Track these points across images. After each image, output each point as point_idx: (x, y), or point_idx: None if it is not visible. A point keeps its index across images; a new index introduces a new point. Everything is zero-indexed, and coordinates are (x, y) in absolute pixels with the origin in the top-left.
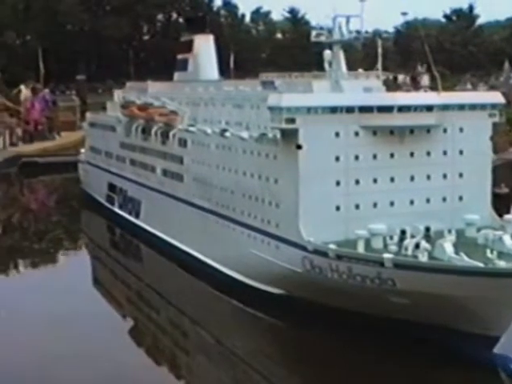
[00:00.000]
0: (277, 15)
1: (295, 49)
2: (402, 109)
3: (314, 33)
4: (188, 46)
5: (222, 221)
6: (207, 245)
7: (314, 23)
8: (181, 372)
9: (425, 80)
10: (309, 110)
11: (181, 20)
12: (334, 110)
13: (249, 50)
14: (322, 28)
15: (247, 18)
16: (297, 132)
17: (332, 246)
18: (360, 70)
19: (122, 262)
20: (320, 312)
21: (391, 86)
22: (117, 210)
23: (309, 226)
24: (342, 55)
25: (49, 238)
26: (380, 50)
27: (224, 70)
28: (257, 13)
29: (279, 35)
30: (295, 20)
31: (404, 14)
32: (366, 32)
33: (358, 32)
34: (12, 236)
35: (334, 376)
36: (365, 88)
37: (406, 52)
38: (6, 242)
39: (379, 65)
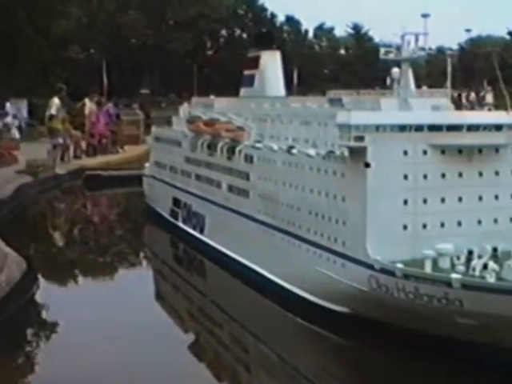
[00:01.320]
0: (340, 31)
1: (358, 65)
2: (471, 128)
3: (382, 50)
4: (254, 62)
5: (288, 237)
6: (272, 261)
7: (377, 39)
8: None
9: (489, 98)
10: (377, 127)
11: (244, 36)
12: (402, 128)
13: (312, 66)
14: (390, 45)
15: (310, 34)
16: (365, 150)
17: (399, 265)
18: (424, 88)
19: (185, 276)
20: (385, 331)
21: (458, 103)
22: (181, 224)
23: (376, 244)
24: (410, 73)
25: (112, 251)
26: (450, 69)
27: (287, 86)
28: (320, 29)
29: (342, 51)
30: (358, 36)
31: (468, 30)
32: (430, 49)
33: (423, 49)
34: (75, 249)
35: None
36: (433, 106)
37: (469, 69)
38: (69, 255)
39: (448, 83)
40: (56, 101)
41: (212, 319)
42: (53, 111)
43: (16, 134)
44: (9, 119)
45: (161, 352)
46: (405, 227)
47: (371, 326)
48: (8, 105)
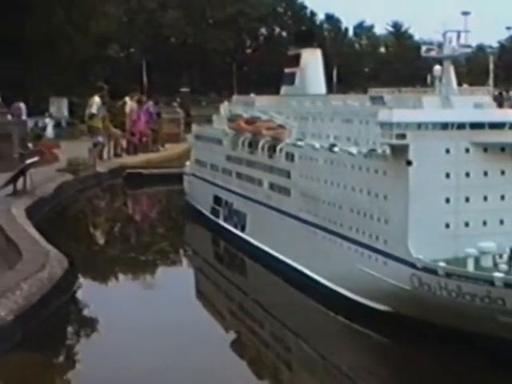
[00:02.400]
0: (380, 29)
1: (398, 63)
2: None
3: (423, 48)
4: (295, 60)
5: (329, 236)
6: (313, 259)
7: (417, 37)
8: None
9: None
10: (419, 125)
11: (283, 34)
12: (444, 126)
13: (351, 64)
14: (431, 43)
15: (350, 32)
16: (407, 148)
17: (441, 264)
18: (465, 86)
19: (226, 274)
20: (428, 331)
21: (500, 101)
22: (222, 222)
23: (418, 242)
24: (452, 70)
25: (153, 249)
26: (492, 66)
27: (327, 84)
28: (360, 27)
29: (382, 49)
30: (398, 34)
31: (508, 28)
32: (470, 46)
33: (466, 46)
34: (116, 247)
35: None
36: (475, 104)
37: (509, 67)
38: (110, 253)
39: (490, 80)
40: (97, 99)
41: (253, 317)
42: (93, 110)
43: (51, 133)
44: (46, 119)
45: (202, 350)
46: (447, 226)
47: (414, 325)
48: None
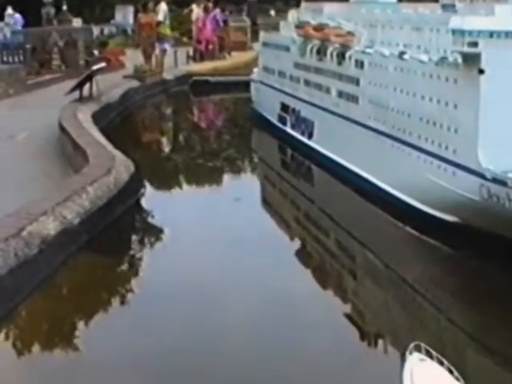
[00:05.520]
0: None
1: None
2: None
3: None
4: None
5: (398, 144)
6: (381, 168)
7: None
8: (347, 295)
9: None
10: (492, 34)
11: None
12: None
13: None
14: None
15: None
16: (479, 56)
17: (511, 175)
18: None
19: (293, 182)
20: (497, 243)
21: None
22: (289, 130)
23: (488, 153)
24: None
25: (219, 157)
26: None
27: None
28: None
29: None
30: None
31: None
32: None
33: None
34: (182, 154)
35: None
36: None
37: None
38: (176, 160)
39: None
40: (163, 6)
41: (319, 226)
42: (160, 17)
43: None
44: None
45: (267, 259)
46: None
47: (483, 238)
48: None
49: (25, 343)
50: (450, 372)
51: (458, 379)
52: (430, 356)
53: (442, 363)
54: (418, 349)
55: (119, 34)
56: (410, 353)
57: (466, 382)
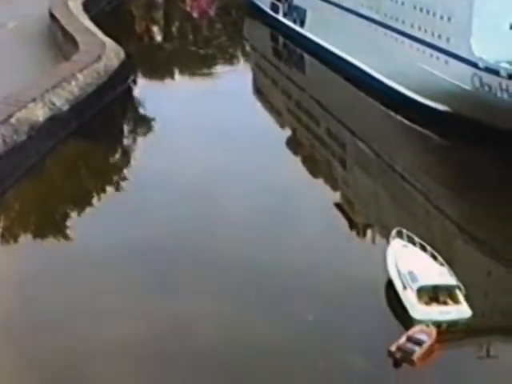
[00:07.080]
0: None
1: None
2: None
3: None
4: None
5: (391, 33)
6: (374, 57)
7: None
8: (336, 184)
9: None
10: None
11: None
12: None
13: None
14: None
15: None
16: None
17: (504, 65)
18: None
19: (284, 71)
20: (488, 133)
21: None
22: (281, 18)
23: (481, 42)
24: None
25: (211, 44)
26: None
27: None
28: None
29: None
30: None
31: None
32: None
33: None
34: (174, 42)
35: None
36: None
37: None
38: (168, 49)
39: None
40: None
41: (310, 114)
42: None
43: None
44: None
45: (258, 150)
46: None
47: (474, 127)
48: None
49: (14, 229)
50: (434, 258)
51: (442, 264)
52: (413, 242)
53: (424, 249)
54: (400, 235)
55: None
56: (393, 238)
57: (450, 267)
